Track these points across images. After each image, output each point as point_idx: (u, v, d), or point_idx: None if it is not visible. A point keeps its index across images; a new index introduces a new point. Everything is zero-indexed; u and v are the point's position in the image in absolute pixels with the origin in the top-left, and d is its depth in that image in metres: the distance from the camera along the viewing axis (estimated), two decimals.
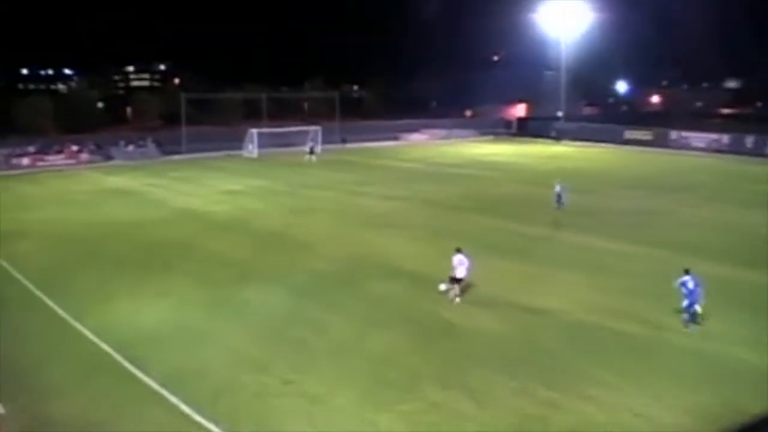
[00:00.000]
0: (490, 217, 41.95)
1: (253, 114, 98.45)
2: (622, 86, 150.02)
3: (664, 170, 65.06)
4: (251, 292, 27.34)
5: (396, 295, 26.75)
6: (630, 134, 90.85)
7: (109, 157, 75.95)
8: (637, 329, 22.92)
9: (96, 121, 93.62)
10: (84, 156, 74.21)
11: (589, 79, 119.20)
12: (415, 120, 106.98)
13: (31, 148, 72.89)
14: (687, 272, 23.14)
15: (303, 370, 19.99)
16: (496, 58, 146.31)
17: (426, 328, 23.22)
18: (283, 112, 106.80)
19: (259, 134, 79.57)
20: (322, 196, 50.60)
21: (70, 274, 30.23)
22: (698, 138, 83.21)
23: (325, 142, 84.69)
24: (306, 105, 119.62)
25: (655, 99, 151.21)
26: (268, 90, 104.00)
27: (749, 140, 77.45)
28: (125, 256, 33.41)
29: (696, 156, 76.52)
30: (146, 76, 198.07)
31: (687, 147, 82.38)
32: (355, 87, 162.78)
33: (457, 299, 25.68)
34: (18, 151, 72.17)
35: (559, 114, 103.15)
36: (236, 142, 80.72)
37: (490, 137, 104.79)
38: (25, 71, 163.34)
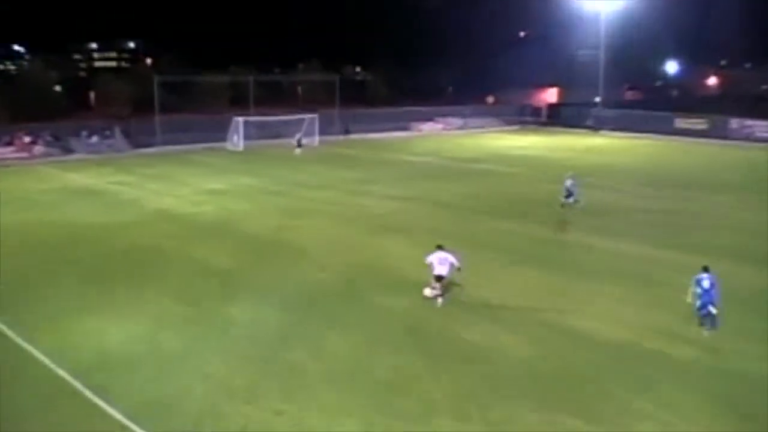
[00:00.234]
0: (513, 221, 41.93)
1: (238, 100, 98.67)
2: (671, 66, 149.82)
3: (721, 165, 65.11)
4: (236, 307, 27.34)
5: (404, 311, 26.77)
6: (681, 123, 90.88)
7: (68, 150, 75.92)
8: (687, 352, 22.92)
9: (53, 108, 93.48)
10: (39, 149, 74.12)
11: (632, 58, 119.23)
12: (427, 107, 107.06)
13: None
14: (706, 270, 24.56)
15: (297, 398, 19.99)
16: (523, 35, 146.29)
17: (439, 349, 23.22)
18: (274, 99, 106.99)
19: (246, 124, 79.65)
20: (318, 196, 50.66)
21: (21, 287, 30.11)
22: (764, 127, 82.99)
23: (323, 132, 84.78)
24: (300, 90, 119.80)
25: (712, 81, 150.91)
26: (257, 73, 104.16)
27: None
28: (88, 266, 33.39)
29: (761, 148, 76.39)
30: (113, 54, 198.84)
31: (750, 138, 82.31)
32: (358, 69, 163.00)
33: (440, 300, 27.25)
34: None
35: (597, 100, 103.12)
36: (219, 132, 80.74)
37: (516, 127, 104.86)
38: None
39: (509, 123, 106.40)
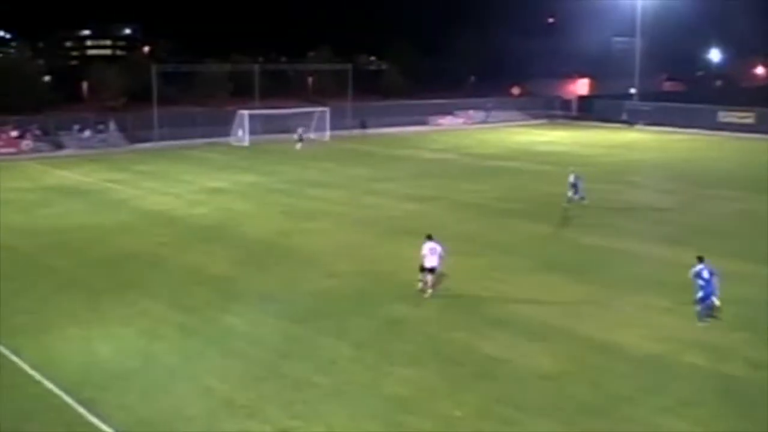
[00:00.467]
0: (540, 223, 41.78)
1: (242, 92, 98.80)
2: (715, 55, 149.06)
3: None
4: (237, 317, 27.33)
5: (421, 322, 26.67)
6: (725, 116, 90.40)
7: (59, 146, 76.22)
8: (728, 367, 22.72)
9: (42, 100, 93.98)
10: (26, 144, 74.45)
11: (671, 47, 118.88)
12: (447, 99, 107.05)
13: None
14: (701, 260, 26.34)
15: (303, 415, 19.91)
16: (551, 20, 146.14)
17: (459, 364, 23.10)
18: (281, 90, 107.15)
19: (251, 117, 79.75)
20: (328, 195, 50.66)
21: (1, 295, 30.11)
22: None
23: (334, 127, 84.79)
24: (310, 81, 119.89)
25: (760, 71, 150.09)
26: (263, 62, 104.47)
27: None
28: (76, 272, 33.49)
29: None
30: (107, 42, 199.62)
31: None
32: (372, 58, 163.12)
33: (429, 291, 28.96)
34: None
35: (632, 91, 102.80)
36: (222, 126, 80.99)
37: (543, 121, 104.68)
38: None
39: (536, 117, 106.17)
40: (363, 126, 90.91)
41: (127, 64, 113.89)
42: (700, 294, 25.93)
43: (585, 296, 29.39)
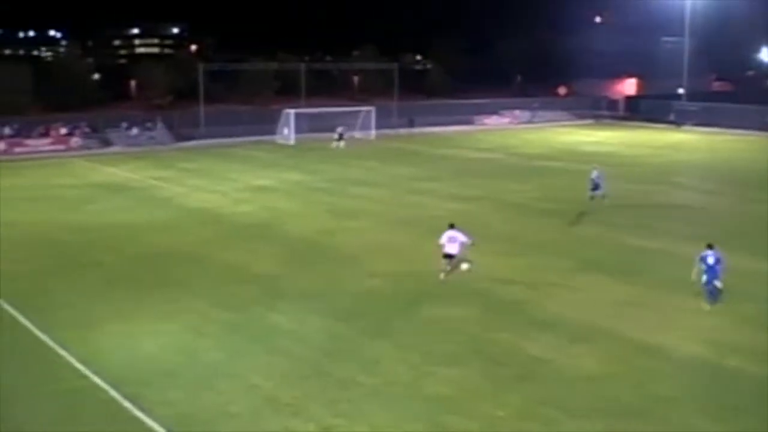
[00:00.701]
0: (586, 225, 41.58)
1: (288, 90, 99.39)
2: (766, 55, 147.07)
3: None
4: (281, 315, 27.45)
5: (465, 322, 26.61)
6: None
7: (107, 143, 77.07)
8: None
9: (91, 98, 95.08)
10: (75, 141, 75.38)
11: (720, 46, 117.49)
12: (492, 99, 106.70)
13: (7, 130, 74.07)
14: (710, 247, 27.85)
15: (346, 414, 19.96)
16: (599, 20, 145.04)
17: (502, 364, 23.04)
18: (327, 89, 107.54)
19: (297, 116, 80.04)
20: (372, 194, 50.74)
21: (49, 290, 30.61)
22: None
23: (379, 126, 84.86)
24: (356, 80, 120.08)
25: None
26: (308, 60, 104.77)
27: None
28: (122, 268, 33.84)
29: None
30: (155, 41, 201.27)
31: None
32: (418, 57, 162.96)
33: (442, 275, 30.92)
34: None
35: (681, 91, 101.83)
36: (267, 125, 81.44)
37: (590, 121, 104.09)
38: None
39: (582, 117, 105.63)
40: (411, 124, 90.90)
41: (175, 62, 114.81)
42: (704, 278, 27.59)
43: (628, 297, 29.20)
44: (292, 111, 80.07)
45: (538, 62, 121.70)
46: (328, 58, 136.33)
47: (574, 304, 28.22)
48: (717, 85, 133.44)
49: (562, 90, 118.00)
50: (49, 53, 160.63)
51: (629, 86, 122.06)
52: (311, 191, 52.01)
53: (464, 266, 31.67)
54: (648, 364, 23.04)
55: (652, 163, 65.29)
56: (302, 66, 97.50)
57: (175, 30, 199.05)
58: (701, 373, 22.44)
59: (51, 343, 24.67)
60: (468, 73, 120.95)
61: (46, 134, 74.82)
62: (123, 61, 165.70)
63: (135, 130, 79.28)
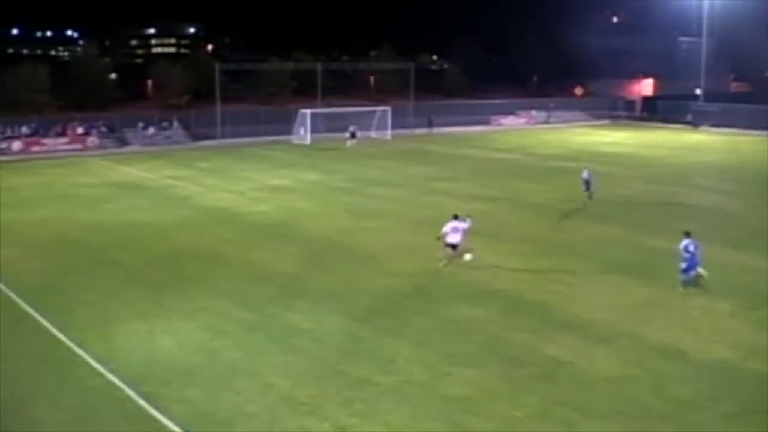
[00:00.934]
0: (605, 225, 41.42)
1: (305, 90, 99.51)
2: None
3: None
4: (299, 314, 27.41)
5: (483, 322, 26.52)
6: None
7: (123, 142, 77.31)
8: None
9: (108, 97, 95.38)
10: (92, 140, 75.67)
11: (738, 46, 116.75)
12: (509, 99, 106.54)
13: (25, 129, 74.51)
14: (688, 235, 29.61)
15: (363, 414, 19.91)
16: (615, 20, 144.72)
17: (521, 365, 22.92)
18: (344, 88, 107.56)
19: (313, 116, 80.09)
20: (390, 194, 50.69)
21: (68, 288, 30.71)
22: None
23: (396, 126, 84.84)
24: (372, 79, 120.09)
25: None
26: (325, 60, 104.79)
27: None
28: (140, 267, 33.93)
29: None
30: (171, 40, 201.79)
31: None
32: (435, 57, 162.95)
33: (442, 263, 32.19)
34: (7, 132, 73.83)
35: (698, 92, 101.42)
36: (284, 124, 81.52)
37: (606, 122, 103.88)
38: (15, 32, 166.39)
39: (598, 117, 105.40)
40: (430, 124, 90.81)
41: (191, 62, 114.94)
42: (684, 265, 29.27)
43: (648, 299, 29.04)
44: (308, 111, 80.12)
45: (555, 62, 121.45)
46: (345, 57, 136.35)
47: (594, 305, 28.08)
48: (735, 86, 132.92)
49: (578, 90, 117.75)
50: (66, 53, 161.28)
51: (646, 87, 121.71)
52: (328, 191, 52.00)
53: (467, 257, 32.43)
54: (668, 367, 22.89)
55: (670, 164, 65.03)
56: (319, 66, 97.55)
57: (192, 30, 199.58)
58: (721, 376, 22.27)
59: (69, 342, 24.71)
60: (484, 74, 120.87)
61: (63, 133, 75.14)
62: (140, 60, 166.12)
63: (151, 130, 79.49)
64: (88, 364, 23.00)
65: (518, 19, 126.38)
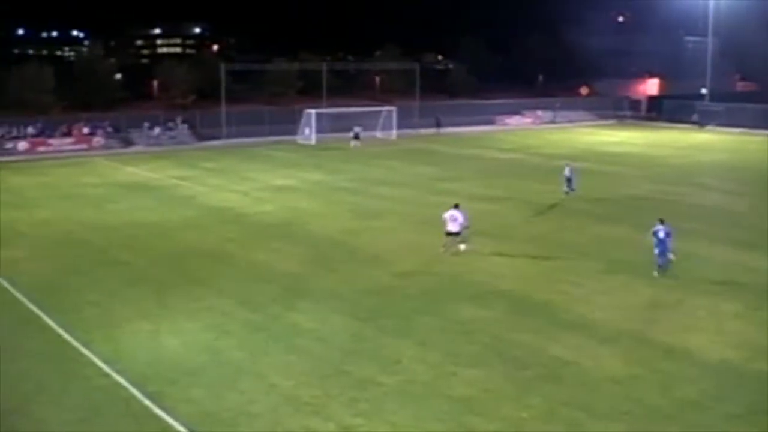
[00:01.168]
0: (610, 225, 41.37)
1: (310, 90, 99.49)
2: None
3: None
4: (303, 314, 27.40)
5: (488, 323, 26.48)
6: None
7: (129, 143, 77.42)
8: None
9: (113, 97, 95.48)
10: (98, 140, 75.77)
11: (744, 46, 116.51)
12: (514, 99, 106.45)
13: (31, 130, 74.67)
14: (661, 222, 31.45)
15: (367, 414, 19.88)
16: (621, 19, 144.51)
17: (526, 366, 22.88)
18: (349, 89, 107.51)
19: (318, 116, 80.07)
20: (395, 194, 50.68)
21: (73, 288, 30.74)
22: None
23: (402, 126, 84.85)
24: (377, 80, 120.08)
25: None
26: (330, 60, 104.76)
27: None
28: (144, 267, 33.96)
29: None
30: (177, 41, 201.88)
31: None
32: (440, 57, 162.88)
33: (442, 249, 34.22)
34: (13, 132, 73.96)
35: (704, 91, 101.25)
36: (289, 124, 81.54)
37: (611, 122, 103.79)
38: (21, 32, 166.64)
39: (604, 117, 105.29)
40: (438, 124, 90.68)
41: (197, 62, 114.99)
42: (656, 251, 31.23)
43: (655, 299, 28.97)
44: (313, 111, 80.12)
45: (560, 62, 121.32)
46: (350, 58, 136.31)
47: (599, 305, 28.03)
48: (741, 86, 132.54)
49: (583, 90, 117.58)
50: (71, 53, 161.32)
51: (652, 86, 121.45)
52: (333, 191, 51.99)
53: (462, 246, 34.40)
54: (673, 367, 22.82)
55: (676, 164, 64.94)
56: (324, 66, 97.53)
57: (197, 30, 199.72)
58: (727, 377, 22.21)
59: (74, 342, 24.72)
60: (490, 73, 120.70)
61: (68, 134, 75.25)
62: (145, 60, 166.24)
63: (157, 130, 79.57)
64: (93, 364, 23.02)
65: (523, 19, 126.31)
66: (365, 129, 79.56)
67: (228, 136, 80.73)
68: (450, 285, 30.77)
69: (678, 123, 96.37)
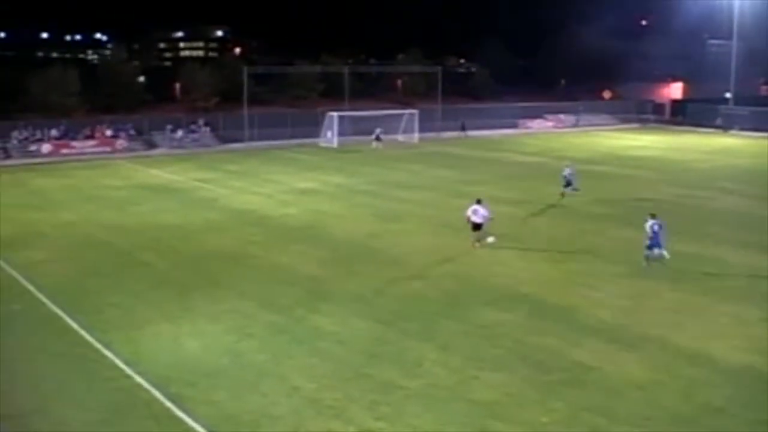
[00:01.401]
0: (634, 229, 41.02)
1: (332, 93, 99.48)
2: None
3: None
4: (325, 317, 27.41)
5: (510, 327, 26.41)
6: None
7: (152, 145, 77.75)
8: None
9: (136, 100, 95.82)
10: (121, 143, 76.12)
11: None
12: (537, 103, 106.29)
13: (54, 132, 75.08)
14: (653, 216, 33.05)
15: (388, 417, 19.86)
16: (644, 23, 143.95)
17: (548, 370, 22.81)
18: (371, 92, 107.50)
19: (341, 119, 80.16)
20: (417, 197, 50.64)
21: (95, 290, 30.81)
22: None
23: (424, 129, 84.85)
24: (399, 83, 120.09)
25: None
26: (352, 63, 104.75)
27: None
28: (167, 269, 34.05)
29: None
30: (199, 44, 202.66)
31: None
32: (462, 60, 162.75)
33: (477, 245, 36.12)
34: (37, 135, 74.36)
35: (728, 95, 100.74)
36: (311, 127, 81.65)
37: (635, 125, 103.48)
38: (45, 35, 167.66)
39: (627, 121, 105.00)
40: (463, 128, 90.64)
41: (219, 65, 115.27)
42: (647, 243, 32.68)
43: (677, 304, 28.81)
44: (335, 114, 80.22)
45: (583, 66, 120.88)
46: (372, 61, 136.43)
47: (622, 310, 27.92)
48: (765, 90, 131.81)
49: (606, 94, 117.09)
50: (95, 56, 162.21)
51: (675, 90, 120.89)
52: (355, 194, 52.02)
53: (490, 239, 36.44)
54: (696, 373, 22.70)
55: (700, 168, 64.62)
56: (346, 69, 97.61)
57: (220, 33, 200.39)
58: (751, 383, 22.06)
59: (96, 344, 24.81)
60: (512, 77, 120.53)
61: (91, 136, 75.67)
62: (168, 64, 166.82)
63: (179, 133, 79.87)
64: (114, 365, 23.09)
65: (546, 23, 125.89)
66: (387, 132, 79.56)
67: (250, 139, 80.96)
68: (471, 288, 30.72)
69: (702, 127, 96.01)
